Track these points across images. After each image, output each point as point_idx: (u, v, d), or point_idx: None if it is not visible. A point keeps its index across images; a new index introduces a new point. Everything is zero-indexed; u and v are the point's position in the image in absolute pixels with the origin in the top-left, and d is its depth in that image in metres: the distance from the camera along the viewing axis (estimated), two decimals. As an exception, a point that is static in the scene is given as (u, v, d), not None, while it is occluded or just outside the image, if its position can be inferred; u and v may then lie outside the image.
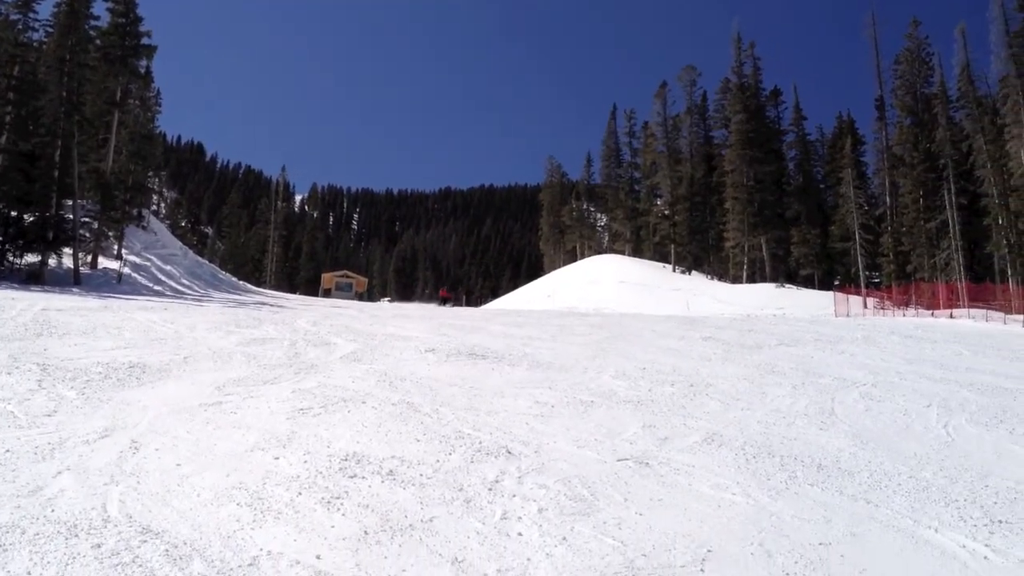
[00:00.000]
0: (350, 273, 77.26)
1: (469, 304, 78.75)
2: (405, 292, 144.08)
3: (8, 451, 5.99)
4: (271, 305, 27.85)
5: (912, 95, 55.96)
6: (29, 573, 3.93)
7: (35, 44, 38.10)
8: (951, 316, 31.65)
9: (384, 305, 46.90)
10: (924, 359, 15.24)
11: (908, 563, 4.84)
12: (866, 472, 6.79)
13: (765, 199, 62.96)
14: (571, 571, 4.42)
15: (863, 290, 46.28)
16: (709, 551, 4.79)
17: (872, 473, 6.77)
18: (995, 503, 6.05)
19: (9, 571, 3.94)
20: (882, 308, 39.75)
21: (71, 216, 34.26)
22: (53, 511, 4.80)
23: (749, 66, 69.24)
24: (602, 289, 56.47)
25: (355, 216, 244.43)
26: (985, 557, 4.91)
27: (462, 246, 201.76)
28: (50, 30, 41.33)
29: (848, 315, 35.66)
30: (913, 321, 28.88)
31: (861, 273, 51.86)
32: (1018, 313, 31.82)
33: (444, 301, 43.27)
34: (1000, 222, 46.38)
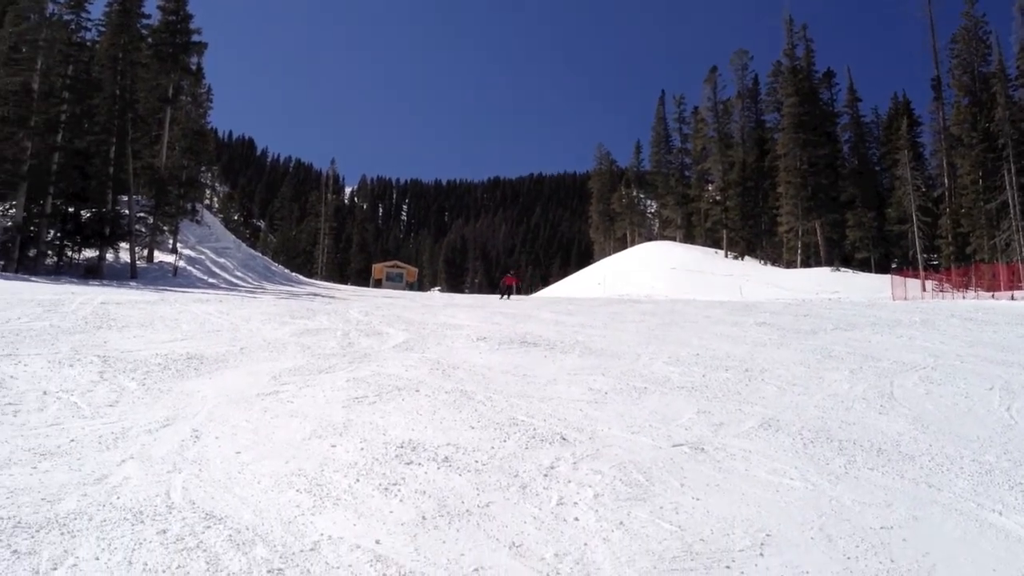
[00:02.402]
0: (400, 263, 77.81)
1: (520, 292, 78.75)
2: (455, 282, 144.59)
3: (73, 440, 6.13)
4: (323, 296, 28.13)
5: (969, 74, 54.72)
6: (97, 559, 4.02)
7: (88, 43, 38.73)
8: (1012, 298, 30.93)
9: (435, 295, 47.08)
10: (985, 342, 14.87)
11: (972, 546, 4.75)
12: (927, 456, 6.67)
13: (819, 183, 61.96)
14: (629, 555, 4.41)
15: (921, 273, 45.37)
16: (768, 535, 4.74)
17: (933, 457, 6.64)
18: (1061, 486, 5.90)
19: (78, 556, 4.03)
20: (941, 291, 38.99)
21: (127, 211, 35.00)
22: (118, 498, 4.90)
23: (801, 48, 68.13)
24: (653, 276, 56.09)
25: (404, 207, 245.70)
26: (1053, 541, 4.80)
27: (512, 235, 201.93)
28: (102, 29, 41.95)
29: (906, 298, 35.01)
30: (973, 303, 28.25)
31: (919, 256, 50.75)
32: (1082, 294, 30.98)
33: (508, 291, 31.19)
34: (1062, 201, 45.25)
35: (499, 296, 26.06)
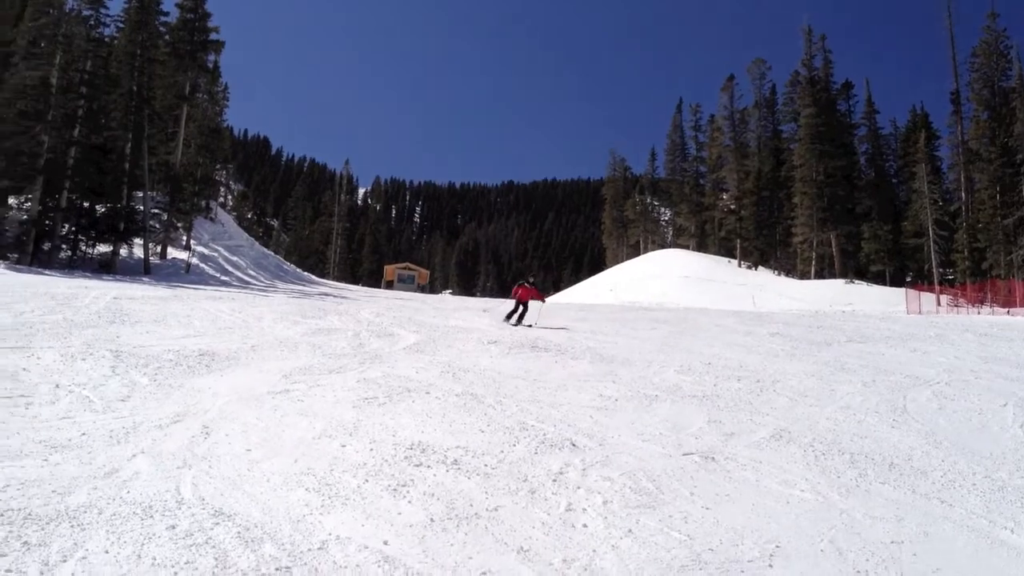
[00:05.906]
0: (412, 265, 77.84)
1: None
2: (467, 286, 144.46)
3: (84, 434, 6.15)
4: (335, 296, 28.18)
5: (989, 88, 54.28)
6: (107, 552, 4.02)
7: (107, 39, 38.86)
8: (1027, 314, 30.71)
9: (446, 298, 47.10)
10: (1000, 358, 14.76)
11: (983, 563, 4.71)
12: (939, 471, 6.62)
13: (835, 194, 61.53)
14: (637, 563, 4.39)
15: (936, 287, 45.08)
16: (778, 547, 4.71)
17: (946, 472, 6.59)
18: (1075, 505, 5.85)
19: (87, 549, 4.03)
20: (956, 306, 38.70)
21: (141, 207, 35.14)
22: (128, 492, 4.91)
23: (820, 59, 67.65)
24: (666, 284, 55.90)
25: (417, 209, 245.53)
26: (1066, 560, 4.75)
27: (524, 240, 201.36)
28: (121, 26, 42.03)
29: (920, 312, 34.80)
30: (988, 319, 28.06)
31: (935, 270, 50.40)
32: (1098, 312, 30.73)
33: (519, 307, 17.92)
34: (1080, 218, 44.92)
35: (508, 318, 17.60)
